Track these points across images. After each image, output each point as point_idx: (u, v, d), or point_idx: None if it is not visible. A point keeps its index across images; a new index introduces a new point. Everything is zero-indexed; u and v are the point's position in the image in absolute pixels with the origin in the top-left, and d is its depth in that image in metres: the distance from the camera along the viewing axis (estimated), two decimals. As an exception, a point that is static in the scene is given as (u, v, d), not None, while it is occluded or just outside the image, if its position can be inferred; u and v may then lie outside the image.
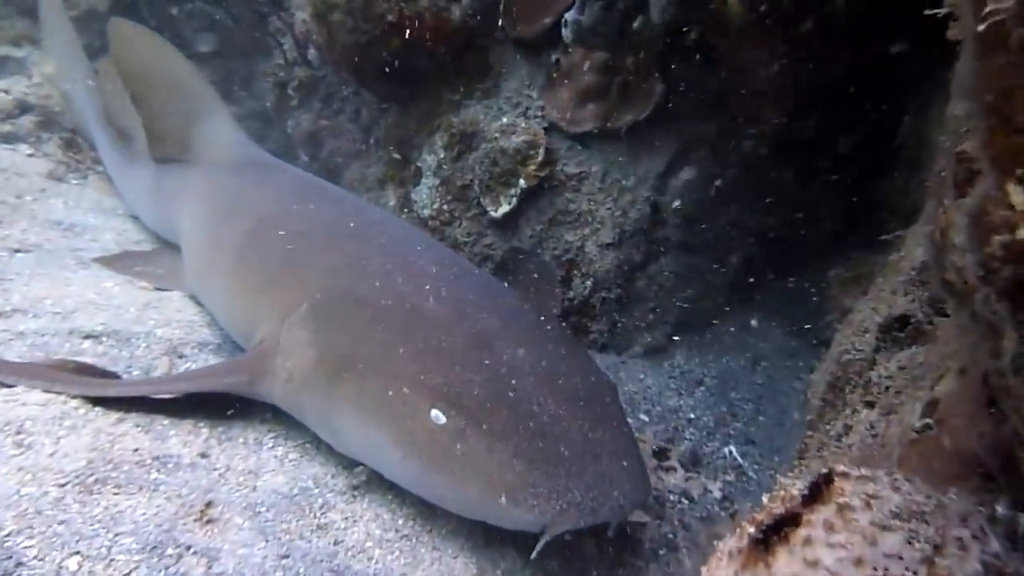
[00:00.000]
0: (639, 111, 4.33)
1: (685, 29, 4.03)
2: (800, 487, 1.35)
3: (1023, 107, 1.05)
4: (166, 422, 2.92)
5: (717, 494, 3.42)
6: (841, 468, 1.33)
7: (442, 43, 4.40)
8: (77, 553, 2.17)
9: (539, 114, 4.42)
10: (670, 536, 3.08)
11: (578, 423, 2.54)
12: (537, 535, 2.41)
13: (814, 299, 4.50)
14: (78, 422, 2.72)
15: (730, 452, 3.80)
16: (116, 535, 2.27)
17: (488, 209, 4.42)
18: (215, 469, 2.76)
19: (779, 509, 1.36)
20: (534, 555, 2.41)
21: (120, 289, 3.99)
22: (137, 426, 2.82)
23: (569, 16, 4.05)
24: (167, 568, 2.22)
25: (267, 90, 6.34)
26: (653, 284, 4.56)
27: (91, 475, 2.47)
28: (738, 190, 4.59)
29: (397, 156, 4.84)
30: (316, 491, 2.79)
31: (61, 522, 2.25)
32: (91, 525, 2.28)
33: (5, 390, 2.81)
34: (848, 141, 4.33)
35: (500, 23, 4.46)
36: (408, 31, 4.29)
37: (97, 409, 2.84)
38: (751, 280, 4.77)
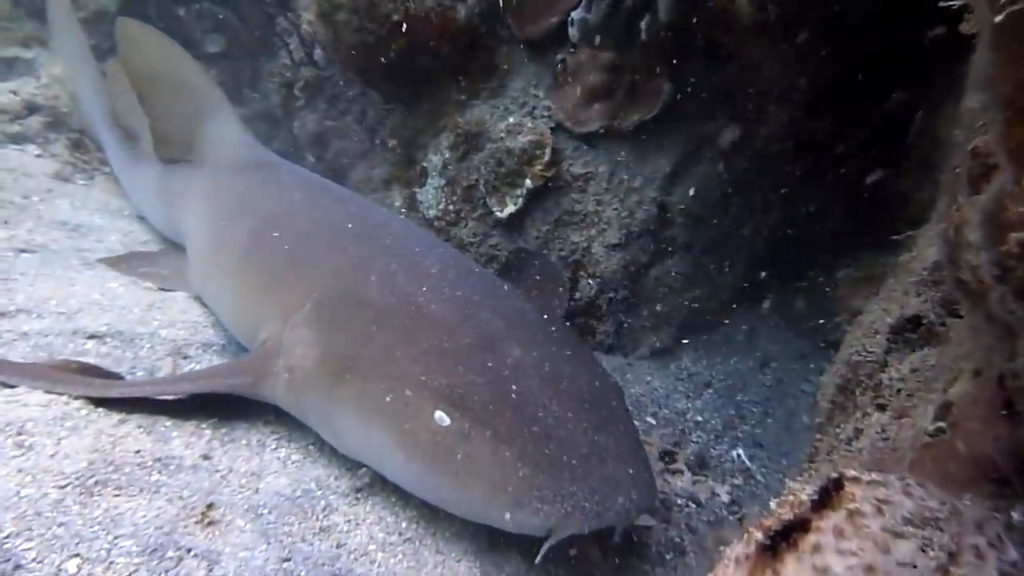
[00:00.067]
0: (646, 111, 4.30)
1: (693, 28, 4.00)
2: (809, 492, 1.31)
3: (1042, 99, 1.01)
4: (169, 423, 2.90)
5: (725, 498, 3.38)
6: (851, 472, 1.29)
7: (448, 43, 4.38)
8: (76, 556, 2.15)
9: (545, 114, 4.39)
10: (677, 540, 3.04)
11: (583, 426, 2.51)
12: (542, 539, 2.38)
13: (823, 300, 4.46)
14: (80, 423, 2.70)
15: (738, 455, 3.76)
16: (116, 537, 2.24)
17: (494, 209, 4.39)
18: (217, 471, 2.73)
19: (788, 514, 1.32)
20: (538, 559, 2.37)
21: (125, 290, 3.98)
22: (139, 427, 2.80)
23: (576, 15, 4.02)
24: (167, 571, 2.19)
25: (273, 91, 6.33)
26: (660, 285, 4.52)
27: (92, 477, 2.44)
28: (746, 190, 4.55)
29: (403, 156, 4.82)
30: (319, 493, 2.76)
31: (61, 524, 2.23)
32: (91, 527, 2.26)
33: (7, 391, 2.79)
34: (857, 140, 4.28)
35: (506, 22, 4.43)
36: (414, 31, 4.27)
37: (99, 410, 2.82)
38: (759, 281, 4.73)
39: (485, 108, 4.49)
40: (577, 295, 4.38)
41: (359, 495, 2.80)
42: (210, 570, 2.24)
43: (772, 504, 1.40)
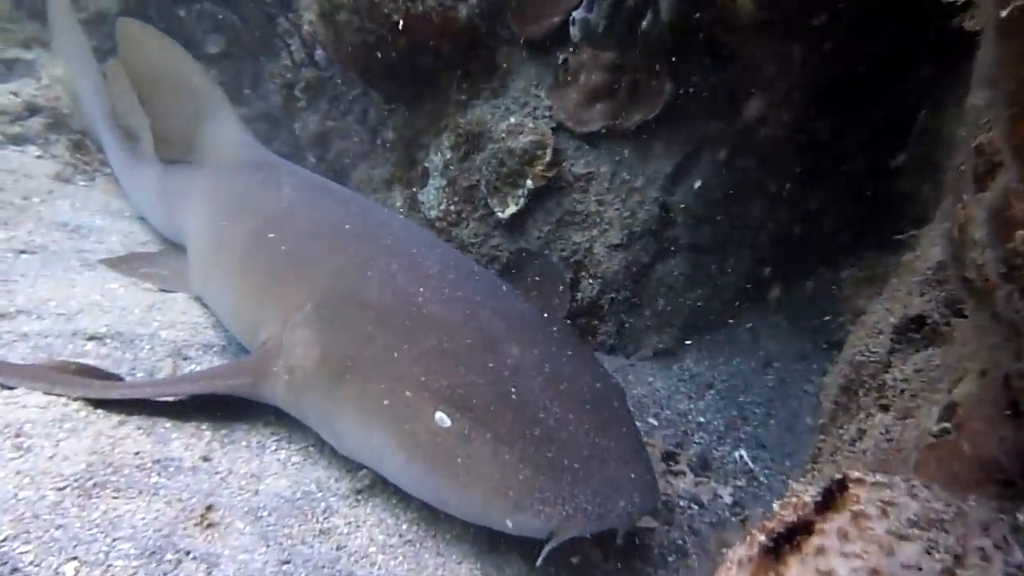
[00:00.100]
0: (648, 110, 4.28)
1: (694, 27, 3.98)
2: (813, 494, 1.30)
3: (1048, 94, 1.00)
4: (168, 425, 2.89)
5: (727, 499, 3.36)
6: (855, 474, 1.27)
7: (449, 42, 4.37)
8: (74, 559, 2.14)
9: (547, 114, 4.38)
10: (679, 542, 3.03)
11: (585, 427, 2.49)
12: (543, 541, 2.36)
13: (826, 300, 4.44)
14: (78, 425, 2.69)
15: (741, 456, 3.74)
16: (114, 540, 2.23)
17: (495, 210, 4.38)
18: (217, 473, 2.72)
19: (791, 516, 1.30)
20: (539, 562, 2.36)
21: (125, 291, 3.97)
22: (139, 429, 2.80)
23: (577, 14, 4.00)
24: (166, 574, 2.18)
25: (274, 91, 6.33)
26: (662, 285, 4.50)
27: (90, 479, 2.43)
28: (748, 190, 4.53)
29: (404, 156, 4.81)
30: (319, 495, 2.75)
31: (59, 527, 2.22)
32: (89, 530, 2.25)
33: (5, 392, 2.79)
34: (860, 140, 4.27)
35: (507, 22, 4.42)
36: (414, 30, 4.26)
37: (98, 412, 2.81)
38: (761, 281, 4.71)
39: (486, 108, 4.47)
40: (579, 295, 4.36)
41: (359, 497, 2.78)
42: (209, 573, 2.23)
43: (775, 506, 1.38)
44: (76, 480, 2.41)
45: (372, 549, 2.55)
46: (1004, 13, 1.03)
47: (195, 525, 2.41)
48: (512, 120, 4.37)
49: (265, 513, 2.57)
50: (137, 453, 2.65)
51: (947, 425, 1.62)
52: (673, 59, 4.19)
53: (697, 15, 3.88)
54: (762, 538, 1.31)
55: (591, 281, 4.35)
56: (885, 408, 2.01)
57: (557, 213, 4.35)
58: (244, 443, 2.96)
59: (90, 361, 3.18)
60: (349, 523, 2.64)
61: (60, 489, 2.36)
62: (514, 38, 4.46)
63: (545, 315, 3.11)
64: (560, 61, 4.38)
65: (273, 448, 2.98)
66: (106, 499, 2.39)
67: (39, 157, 5.88)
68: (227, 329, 3.72)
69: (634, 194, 4.34)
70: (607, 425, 2.55)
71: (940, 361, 1.91)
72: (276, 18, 6.42)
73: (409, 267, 3.04)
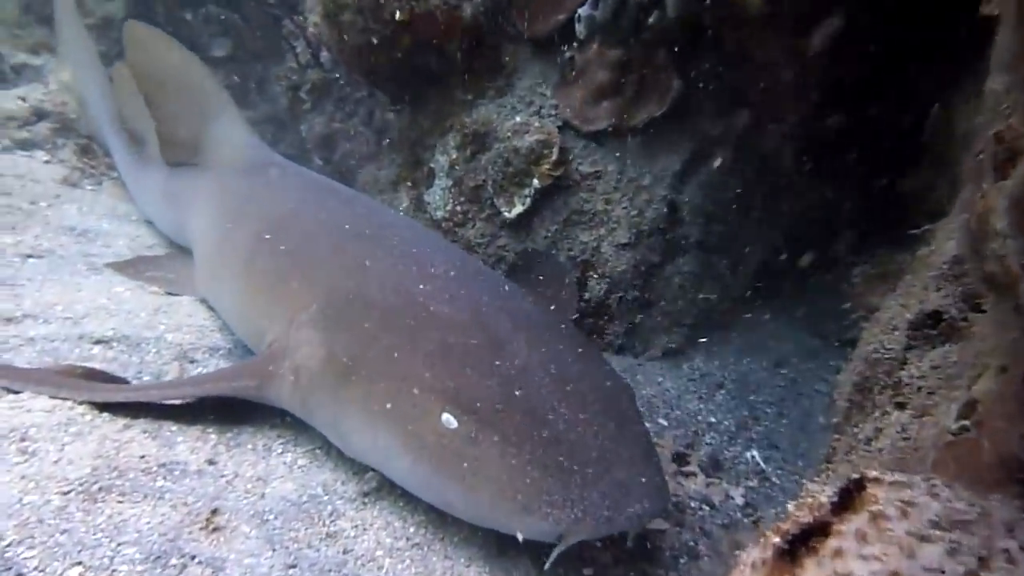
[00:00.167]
0: (655, 108, 4.25)
1: (701, 23, 3.94)
2: (829, 494, 1.26)
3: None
4: (174, 428, 2.87)
5: (739, 500, 3.32)
6: (873, 473, 1.23)
7: (454, 41, 4.34)
8: (79, 564, 2.12)
9: (553, 113, 4.34)
10: (691, 544, 2.99)
11: (594, 428, 2.46)
12: (552, 544, 2.32)
13: (837, 298, 4.39)
14: (84, 428, 2.67)
15: (752, 457, 3.69)
16: (119, 545, 2.21)
17: (502, 210, 4.34)
18: (223, 476, 2.70)
19: (806, 518, 1.26)
20: (548, 565, 2.32)
21: (131, 294, 3.96)
22: (144, 432, 2.78)
23: (583, 11, 3.98)
24: (170, 578, 2.16)
25: (280, 94, 6.32)
26: (671, 285, 4.46)
27: (95, 483, 2.41)
28: (758, 188, 4.49)
29: (410, 157, 4.79)
30: (325, 498, 2.72)
31: (63, 531, 2.20)
32: (94, 534, 2.23)
33: (11, 396, 2.77)
34: (870, 136, 4.22)
35: (512, 20, 4.39)
36: (419, 30, 4.23)
37: (104, 415, 2.79)
38: (771, 280, 4.66)
39: (492, 107, 4.44)
40: (587, 295, 4.32)
41: (366, 500, 2.75)
42: (214, 577, 2.21)
43: (790, 506, 1.34)
44: (81, 484, 2.39)
45: (379, 552, 2.52)
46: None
47: (200, 529, 2.39)
48: (518, 119, 4.34)
49: (271, 516, 2.54)
50: (142, 457, 2.63)
51: (966, 423, 1.57)
52: (680, 56, 4.15)
53: (704, 11, 3.84)
54: (777, 540, 1.27)
55: (599, 281, 4.31)
56: (901, 406, 1.96)
57: (564, 212, 4.32)
58: (250, 446, 2.94)
59: (96, 365, 3.17)
60: (356, 526, 2.62)
61: (65, 493, 2.34)
62: (519, 36, 4.43)
63: (552, 315, 3.07)
64: (566, 59, 4.34)
65: (279, 451, 2.96)
66: (111, 503, 2.37)
67: (47, 162, 5.88)
68: (233, 332, 3.71)
69: (642, 192, 4.30)
70: (616, 426, 2.51)
71: (958, 357, 1.86)
72: (281, 20, 6.42)
73: (415, 267, 3.02)
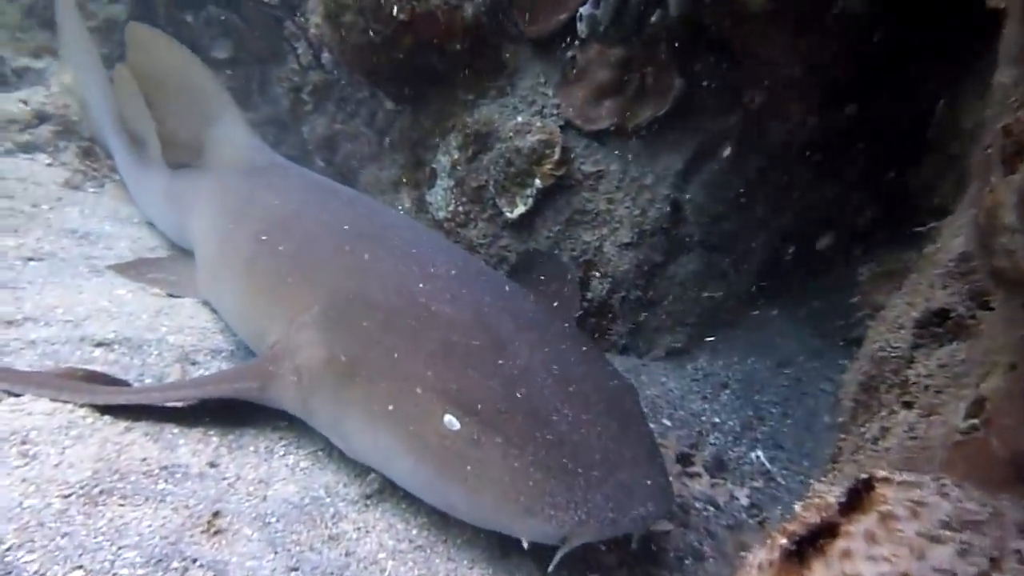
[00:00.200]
0: (657, 107, 4.23)
1: (704, 21, 3.92)
2: (837, 494, 1.24)
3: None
4: (176, 431, 2.86)
5: (744, 501, 3.30)
6: (882, 473, 1.21)
7: (455, 41, 4.32)
8: (80, 567, 2.10)
9: (554, 112, 4.33)
10: (696, 545, 2.96)
11: (597, 429, 2.44)
12: (555, 547, 2.30)
13: (841, 297, 4.36)
14: (84, 431, 2.66)
15: (757, 457, 3.67)
16: (120, 548, 2.20)
17: (504, 210, 4.33)
18: (224, 478, 2.69)
19: (814, 518, 1.24)
20: (552, 568, 2.30)
21: (133, 296, 3.95)
22: (145, 435, 2.76)
23: (584, 10, 3.96)
24: (171, 582, 2.14)
25: (282, 95, 6.32)
26: (674, 284, 4.44)
27: (96, 486, 2.40)
28: (761, 187, 4.47)
29: (411, 158, 4.77)
30: (328, 500, 2.70)
31: (64, 535, 2.18)
32: (95, 538, 2.21)
33: (11, 399, 2.76)
34: (875, 135, 4.20)
35: (514, 20, 4.38)
36: (420, 30, 4.22)
37: (105, 418, 2.78)
38: (775, 279, 4.64)
39: (493, 107, 4.43)
40: (589, 295, 4.30)
41: (369, 502, 2.74)
42: (216, 581, 2.19)
43: (797, 507, 1.32)
44: (82, 487, 2.37)
45: (382, 555, 2.50)
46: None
47: (202, 532, 2.37)
48: (520, 119, 4.32)
49: (273, 519, 2.53)
50: (144, 459, 2.61)
51: (975, 421, 1.55)
52: (682, 54, 4.13)
53: (706, 8, 3.82)
54: (784, 541, 1.25)
55: (602, 280, 4.29)
56: (908, 405, 1.94)
57: (566, 212, 4.30)
58: (252, 448, 2.92)
59: (97, 367, 3.16)
60: (358, 528, 2.60)
61: (65, 497, 2.32)
62: (521, 36, 4.42)
63: (555, 315, 3.05)
64: (568, 59, 4.33)
65: (281, 453, 2.94)
66: (112, 506, 2.35)
67: (49, 164, 5.88)
68: (235, 333, 3.69)
69: (644, 192, 4.28)
70: (620, 427, 2.50)
71: (966, 355, 1.84)
72: (283, 22, 6.41)
73: (416, 268, 3.00)
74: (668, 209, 4.30)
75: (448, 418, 2.42)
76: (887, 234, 3.99)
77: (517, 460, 2.33)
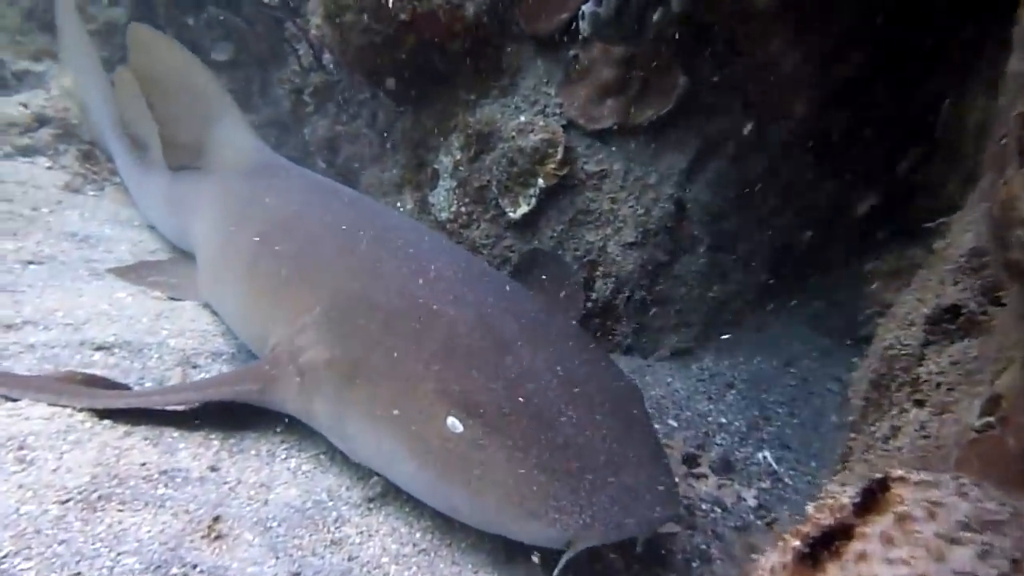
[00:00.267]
0: (661, 106, 4.19)
1: (707, 18, 3.89)
2: (851, 494, 1.20)
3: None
4: (176, 434, 2.83)
5: (752, 502, 3.26)
6: (898, 473, 1.18)
7: (456, 41, 4.29)
8: (78, 574, 2.07)
9: (557, 111, 4.29)
10: (703, 547, 2.93)
11: (602, 431, 2.40)
12: (560, 550, 2.27)
13: (847, 296, 4.33)
14: (83, 436, 2.63)
15: (764, 458, 3.63)
16: (119, 554, 2.17)
17: (507, 210, 4.29)
18: (225, 483, 2.66)
19: (828, 520, 1.20)
20: (556, 572, 2.26)
21: (133, 300, 3.93)
22: (145, 439, 2.73)
23: (586, 8, 3.91)
24: (171, 588, 2.11)
25: (283, 97, 6.30)
26: (679, 284, 4.40)
27: (95, 491, 2.37)
28: (765, 186, 4.44)
29: (413, 158, 4.74)
30: (330, 504, 2.67)
31: (61, 542, 2.15)
32: (93, 544, 2.18)
33: (9, 404, 2.73)
34: (879, 132, 4.16)
35: (516, 19, 4.35)
36: (421, 29, 4.19)
37: (104, 422, 2.75)
38: (781, 277, 4.60)
39: (496, 107, 4.40)
40: (593, 295, 4.27)
41: (372, 506, 2.71)
42: (216, 586, 2.16)
43: (809, 508, 1.28)
44: (80, 493, 2.34)
45: (385, 559, 2.47)
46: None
47: (202, 537, 2.34)
48: (522, 119, 4.29)
49: (275, 524, 2.50)
50: (143, 464, 2.58)
51: (990, 419, 1.51)
52: (685, 52, 4.09)
53: (710, 5, 3.79)
54: (796, 543, 1.22)
55: (606, 280, 4.26)
56: (920, 403, 1.90)
57: (570, 212, 4.27)
58: (253, 452, 2.89)
59: (97, 371, 3.14)
60: (361, 533, 2.57)
61: (63, 503, 2.29)
62: (523, 35, 4.38)
63: (558, 316, 3.02)
64: (570, 58, 4.30)
65: (283, 457, 2.91)
66: (111, 512, 2.32)
67: (49, 168, 5.86)
68: (237, 336, 3.66)
69: (648, 191, 4.24)
70: (624, 429, 2.46)
71: (978, 352, 1.80)
72: (283, 23, 6.39)
73: (419, 269, 2.97)
74: (672, 208, 4.26)
75: (451, 420, 2.39)
76: (893, 232, 3.95)
77: (521, 463, 2.30)
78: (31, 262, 4.21)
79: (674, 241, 4.32)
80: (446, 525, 2.61)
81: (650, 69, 4.15)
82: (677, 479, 2.67)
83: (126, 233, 5.08)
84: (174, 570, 2.16)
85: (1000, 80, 1.39)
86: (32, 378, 2.93)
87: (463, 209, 4.45)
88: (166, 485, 2.53)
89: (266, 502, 2.60)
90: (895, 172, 4.13)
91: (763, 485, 3.41)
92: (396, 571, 2.43)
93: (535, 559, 2.35)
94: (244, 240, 3.64)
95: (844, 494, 1.23)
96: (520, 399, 2.41)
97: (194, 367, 3.46)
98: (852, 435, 2.17)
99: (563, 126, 4.25)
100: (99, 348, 3.36)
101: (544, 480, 2.27)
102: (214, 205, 4.19)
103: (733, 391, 4.18)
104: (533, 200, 4.24)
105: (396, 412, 2.50)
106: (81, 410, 2.76)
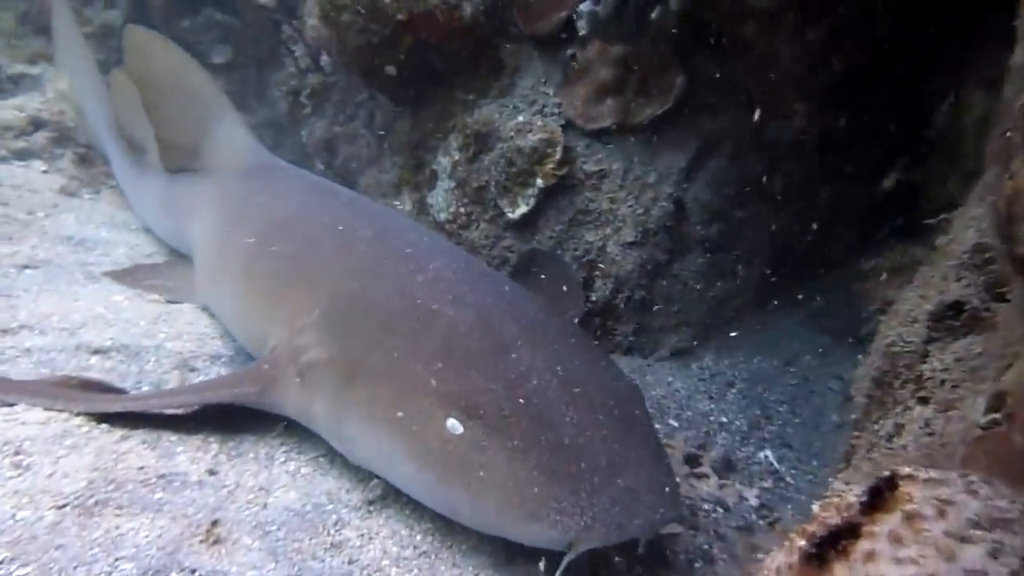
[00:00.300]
0: (659, 105, 4.18)
1: (706, 18, 3.87)
2: (858, 493, 1.18)
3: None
4: (174, 438, 2.81)
5: (754, 501, 3.24)
6: (906, 470, 1.16)
7: (454, 41, 4.28)
8: (74, 580, 2.05)
9: (556, 111, 4.28)
10: (705, 547, 2.90)
11: (603, 432, 2.38)
12: (561, 552, 2.25)
13: (848, 294, 4.31)
14: (80, 440, 2.61)
15: (766, 457, 3.61)
16: (116, 560, 2.15)
17: (505, 211, 4.28)
18: (224, 486, 2.64)
19: (834, 519, 1.19)
20: (558, 574, 2.24)
21: (130, 303, 3.90)
22: (143, 443, 2.72)
23: (584, 7, 3.90)
24: (170, 593, 2.09)
25: (280, 99, 6.28)
26: (678, 284, 4.38)
27: (92, 496, 2.35)
28: (765, 185, 4.41)
29: (411, 159, 4.73)
30: (330, 507, 2.65)
31: (58, 547, 2.14)
32: (90, 550, 2.17)
33: (5, 409, 2.71)
34: (878, 131, 4.15)
35: (513, 19, 4.33)
36: (418, 30, 4.17)
37: (101, 426, 2.73)
38: (781, 276, 4.58)
39: (494, 107, 4.38)
40: (593, 296, 4.25)
41: (372, 508, 2.68)
42: (215, 591, 2.14)
43: (815, 507, 1.27)
44: (77, 498, 2.33)
45: (385, 562, 2.45)
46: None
47: (201, 542, 2.32)
48: (520, 119, 4.28)
49: (274, 527, 2.48)
50: (141, 468, 2.57)
51: (996, 416, 1.50)
52: (684, 51, 4.08)
53: (708, 4, 3.77)
54: (803, 543, 1.20)
55: (605, 280, 4.24)
56: (924, 400, 1.89)
57: (569, 212, 4.25)
58: (252, 455, 2.87)
59: (94, 375, 3.12)
60: (361, 535, 2.54)
61: (60, 508, 2.28)
62: (521, 35, 4.37)
63: (558, 317, 3.00)
64: (568, 57, 4.28)
65: (282, 460, 2.89)
66: (108, 517, 2.30)
67: (44, 171, 5.82)
68: (235, 338, 3.64)
69: (647, 191, 4.23)
70: (625, 429, 2.44)
71: (982, 348, 1.79)
72: (280, 25, 6.37)
73: (418, 270, 2.95)
74: (671, 208, 4.24)
75: (451, 422, 2.37)
76: (893, 229, 3.94)
77: (521, 464, 2.28)
78: (27, 266, 4.19)
79: (673, 240, 4.30)
80: (447, 527, 2.59)
81: (649, 68, 4.14)
82: (679, 479, 2.65)
83: (122, 236, 5.06)
84: (172, 575, 2.15)
85: (1005, 75, 1.37)
86: (28, 383, 2.91)
87: (462, 210, 4.43)
88: (164, 489, 2.51)
89: (265, 505, 2.58)
90: (893, 171, 4.11)
91: (765, 484, 3.39)
92: (397, 574, 2.41)
93: (541, 567, 2.32)
94: (242, 241, 3.62)
95: (851, 492, 1.21)
96: (520, 400, 2.39)
97: (192, 370, 3.44)
98: (855, 433, 2.15)
99: (562, 126, 4.23)
100: (95, 352, 3.34)
101: (545, 481, 2.25)
102: (211, 207, 4.17)
103: (734, 390, 4.16)
104: (532, 200, 4.22)
105: (396, 413, 2.48)
106: (78, 415, 2.74)
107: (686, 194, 4.31)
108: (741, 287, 4.59)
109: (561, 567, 2.24)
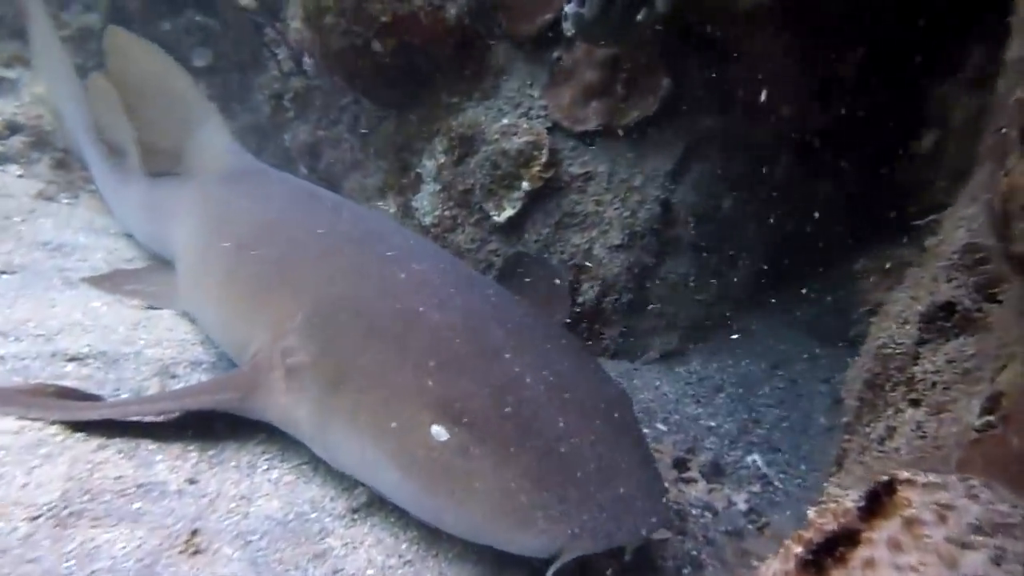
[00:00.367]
0: (646, 107, 4.17)
1: (692, 19, 3.86)
2: (855, 498, 1.15)
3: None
4: (152, 446, 2.75)
5: (743, 506, 3.21)
6: (905, 475, 1.13)
7: (438, 43, 4.24)
8: (48, 593, 1.99)
9: (541, 114, 4.25)
10: (693, 553, 2.87)
11: (590, 438, 2.34)
12: (548, 561, 2.20)
13: (836, 296, 4.31)
14: (54, 450, 2.55)
15: (754, 461, 3.59)
16: (91, 572, 2.10)
17: (491, 214, 4.24)
18: (204, 495, 2.58)
19: (831, 525, 1.15)
20: (546, 582, 2.20)
21: (108, 309, 3.82)
22: (120, 452, 2.65)
23: (569, 9, 3.87)
24: (147, 606, 2.03)
25: (263, 102, 6.21)
26: (666, 286, 4.36)
27: (66, 507, 2.29)
28: (752, 187, 4.41)
29: (396, 163, 4.68)
30: (313, 516, 2.60)
31: (30, 561, 2.08)
32: (64, 562, 2.11)
33: (-23, 418, 2.64)
34: (865, 131, 4.15)
35: (498, 20, 4.30)
36: (403, 31, 4.14)
37: (77, 435, 2.67)
38: (769, 279, 4.58)
39: (479, 110, 4.35)
40: (580, 299, 4.22)
41: (356, 516, 2.63)
42: (194, 603, 2.08)
43: (811, 513, 1.23)
44: (50, 509, 2.27)
45: (370, 571, 2.40)
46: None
47: (180, 552, 2.27)
48: (506, 121, 4.25)
49: (255, 537, 2.42)
50: (118, 478, 2.51)
51: (991, 418, 1.47)
52: (670, 53, 4.06)
53: (694, 6, 3.76)
54: (799, 550, 1.16)
55: (592, 284, 4.21)
56: (916, 403, 1.86)
57: (555, 215, 4.22)
58: (233, 463, 2.81)
59: (70, 383, 3.04)
60: (346, 544, 2.49)
61: (33, 519, 2.22)
62: (506, 37, 4.34)
63: (545, 321, 2.97)
64: (554, 59, 4.26)
65: (264, 468, 2.83)
66: (83, 529, 2.24)
67: (20, 176, 5.74)
68: (217, 344, 3.58)
69: (634, 193, 4.21)
70: (613, 435, 2.41)
71: (976, 349, 1.77)
72: (263, 28, 6.31)
73: (403, 274, 2.90)
74: (658, 210, 4.22)
75: (436, 428, 2.32)
76: (881, 231, 3.93)
77: (507, 471, 2.24)
78: (2, 272, 4.10)
79: (660, 243, 4.29)
80: (433, 536, 2.54)
81: (635, 70, 4.12)
82: (667, 484, 2.62)
83: (101, 241, 4.97)
84: (150, 587, 2.09)
85: (1000, 70, 1.35)
86: (0, 390, 2.84)
87: (447, 213, 4.39)
88: (142, 499, 2.46)
89: (246, 515, 2.53)
90: (883, 171, 4.11)
91: (754, 489, 3.36)
92: (382, 583, 2.36)
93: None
94: (224, 246, 3.56)
95: (847, 497, 1.18)
96: (507, 406, 2.35)
97: (172, 377, 3.37)
98: (847, 436, 2.13)
99: (547, 128, 4.21)
100: (72, 359, 3.26)
101: (531, 489, 2.21)
102: (193, 211, 4.10)
103: (722, 394, 4.14)
104: (518, 203, 4.19)
105: (379, 420, 2.43)
106: (53, 423, 2.67)
107: (673, 196, 4.29)
108: (729, 290, 4.58)
109: (548, 575, 2.19)
